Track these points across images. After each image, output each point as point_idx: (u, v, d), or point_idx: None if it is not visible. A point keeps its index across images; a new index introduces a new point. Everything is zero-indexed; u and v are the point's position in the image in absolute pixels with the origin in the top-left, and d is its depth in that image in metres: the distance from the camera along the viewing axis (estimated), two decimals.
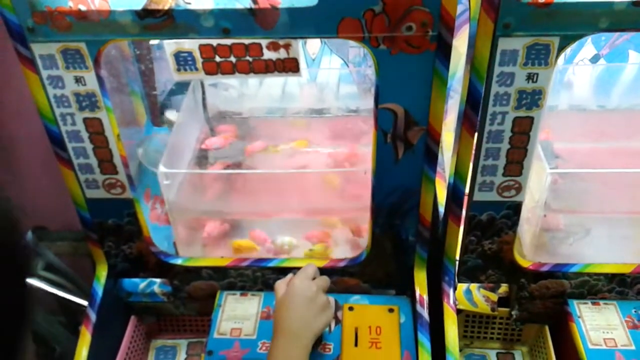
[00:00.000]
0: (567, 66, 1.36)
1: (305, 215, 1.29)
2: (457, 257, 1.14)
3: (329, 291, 1.19)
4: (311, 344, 0.99)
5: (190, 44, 0.96)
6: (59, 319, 1.66)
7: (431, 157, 1.00)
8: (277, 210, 1.29)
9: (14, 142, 1.70)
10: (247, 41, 0.94)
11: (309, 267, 1.07)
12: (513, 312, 1.21)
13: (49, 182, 1.71)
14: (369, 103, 1.12)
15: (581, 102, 1.39)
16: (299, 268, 1.17)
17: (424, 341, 1.08)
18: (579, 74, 1.37)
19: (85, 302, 1.41)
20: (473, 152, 0.99)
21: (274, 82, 1.39)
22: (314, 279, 1.05)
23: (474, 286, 1.21)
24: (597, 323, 1.14)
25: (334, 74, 1.42)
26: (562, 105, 1.37)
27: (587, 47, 1.36)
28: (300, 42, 1.00)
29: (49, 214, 1.75)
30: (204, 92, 1.39)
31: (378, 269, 1.18)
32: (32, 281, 1.48)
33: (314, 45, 1.39)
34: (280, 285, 1.05)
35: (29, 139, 1.66)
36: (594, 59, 1.37)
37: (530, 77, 0.90)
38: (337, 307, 1.16)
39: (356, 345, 1.10)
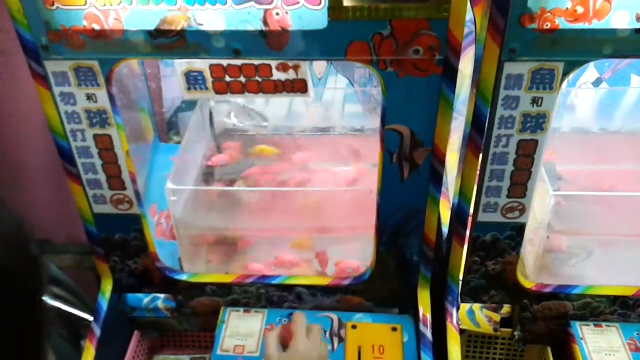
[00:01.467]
0: (570, 89, 1.38)
1: (310, 233, 1.30)
2: (461, 277, 1.15)
3: (334, 309, 1.21)
4: None
5: (201, 64, 0.97)
6: (61, 332, 1.66)
7: (436, 177, 1.02)
8: (282, 227, 1.30)
9: (20, 154, 1.71)
10: (257, 62, 0.96)
11: (300, 320, 1.02)
12: (516, 333, 1.21)
13: (54, 195, 1.73)
14: (374, 123, 1.13)
15: (584, 125, 1.41)
16: (303, 286, 1.19)
17: None
18: (582, 97, 1.39)
19: (88, 316, 1.41)
20: (478, 173, 1.01)
21: (281, 101, 1.41)
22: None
23: (477, 306, 1.21)
24: (599, 345, 1.14)
25: (339, 94, 1.44)
26: (565, 128, 1.39)
27: (590, 70, 1.38)
28: (308, 63, 1.01)
29: (54, 227, 1.75)
30: (211, 110, 1.40)
31: (382, 288, 1.19)
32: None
33: (320, 65, 1.41)
34: (273, 342, 1.00)
35: (35, 153, 1.68)
36: (597, 83, 1.39)
37: (535, 101, 0.91)
38: None
39: None
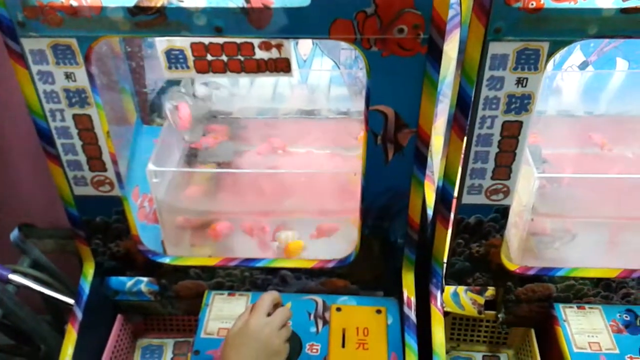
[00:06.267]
0: (556, 72, 1.37)
1: (293, 216, 1.29)
2: (445, 260, 1.15)
3: (318, 292, 1.20)
4: None
5: (182, 42, 0.96)
6: (45, 317, 1.65)
7: (420, 159, 1.01)
8: (265, 210, 1.29)
9: (2, 138, 1.69)
10: (239, 40, 0.94)
11: (266, 299, 1.02)
12: (499, 315, 1.22)
13: (37, 179, 1.71)
14: (359, 105, 1.12)
15: (569, 108, 1.40)
16: (288, 269, 1.19)
17: (411, 343, 1.09)
18: (568, 80, 1.39)
19: (71, 301, 1.40)
20: (462, 155, 1.00)
21: (265, 83, 1.39)
22: (275, 306, 1.03)
23: (461, 289, 1.21)
24: (582, 327, 1.15)
25: (325, 76, 1.42)
26: (551, 111, 1.39)
27: (576, 53, 1.37)
28: (292, 42, 1.00)
29: (37, 211, 1.74)
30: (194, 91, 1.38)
31: (366, 271, 1.18)
32: (17, 278, 1.47)
33: (305, 46, 1.39)
34: (239, 320, 1.01)
35: (17, 136, 1.65)
36: (583, 66, 1.38)
37: (520, 82, 0.91)
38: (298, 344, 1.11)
39: (343, 346, 1.10)
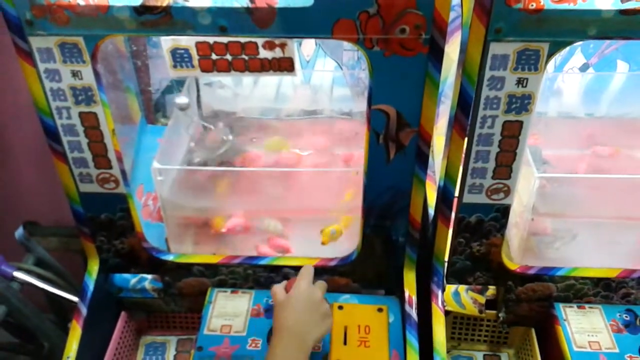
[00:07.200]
0: (557, 74, 1.38)
1: (298, 214, 1.30)
2: (446, 259, 1.16)
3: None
4: (310, 349, 0.99)
5: (187, 41, 0.97)
6: (48, 316, 1.66)
7: (422, 158, 1.02)
8: (269, 208, 1.30)
9: (7, 136, 1.70)
10: (243, 39, 0.96)
11: (309, 270, 1.07)
12: (500, 315, 1.23)
13: (42, 177, 1.72)
14: (361, 106, 1.13)
15: (570, 110, 1.41)
16: (290, 267, 1.19)
17: (412, 341, 1.09)
18: (568, 82, 1.40)
19: (75, 298, 1.41)
20: (463, 154, 1.01)
21: (268, 83, 1.40)
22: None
23: (462, 288, 1.22)
24: (582, 326, 1.15)
25: (327, 77, 1.43)
26: (551, 112, 1.40)
27: (577, 56, 1.38)
28: (295, 42, 1.01)
29: (41, 210, 1.75)
30: (198, 91, 1.40)
31: (368, 269, 1.19)
32: (22, 275, 1.48)
33: (308, 47, 1.40)
34: (279, 289, 1.05)
35: (22, 134, 1.67)
36: (583, 68, 1.39)
37: (520, 82, 0.92)
38: None
39: (345, 343, 1.11)
